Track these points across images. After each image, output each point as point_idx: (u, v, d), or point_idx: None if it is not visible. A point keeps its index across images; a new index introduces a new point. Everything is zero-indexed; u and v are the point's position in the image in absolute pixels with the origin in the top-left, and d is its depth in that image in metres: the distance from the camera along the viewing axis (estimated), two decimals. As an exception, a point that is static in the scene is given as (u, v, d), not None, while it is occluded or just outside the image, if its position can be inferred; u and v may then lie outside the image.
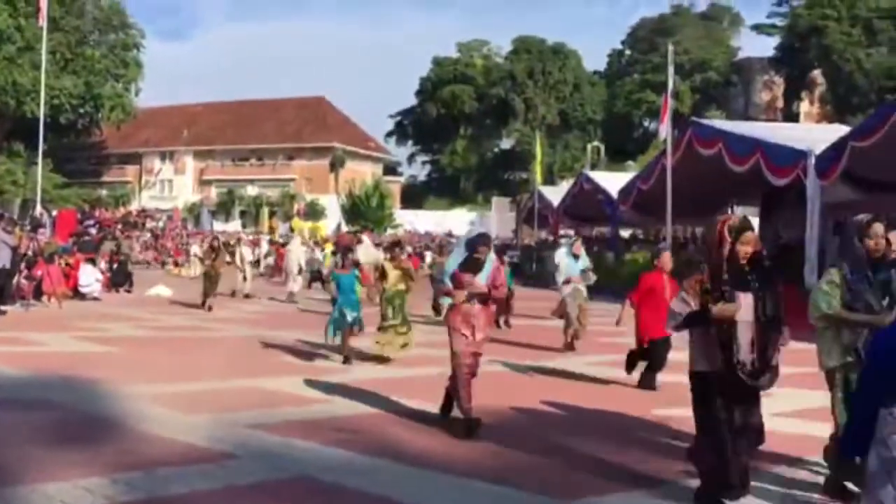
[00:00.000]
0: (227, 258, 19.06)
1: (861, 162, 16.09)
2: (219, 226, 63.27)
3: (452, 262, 6.48)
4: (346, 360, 9.61)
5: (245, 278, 20.21)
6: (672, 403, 7.16)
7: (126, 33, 64.63)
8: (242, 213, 69.37)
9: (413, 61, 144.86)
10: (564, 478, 4.94)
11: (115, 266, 21.75)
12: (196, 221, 67.17)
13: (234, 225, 63.86)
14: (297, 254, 20.72)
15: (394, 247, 11.14)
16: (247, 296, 19.72)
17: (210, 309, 15.86)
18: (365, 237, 21.86)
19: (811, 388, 8.21)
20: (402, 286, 9.75)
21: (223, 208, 70.53)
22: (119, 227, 49.99)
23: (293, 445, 5.52)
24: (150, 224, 56.28)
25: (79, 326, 12.64)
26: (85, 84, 59.69)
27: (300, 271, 20.48)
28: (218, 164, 74.45)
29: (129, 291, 20.67)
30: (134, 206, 68.45)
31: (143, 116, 69.66)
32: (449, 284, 6.32)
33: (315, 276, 23.92)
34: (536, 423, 6.61)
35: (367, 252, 19.30)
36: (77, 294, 17.70)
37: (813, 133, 21.34)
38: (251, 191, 71.25)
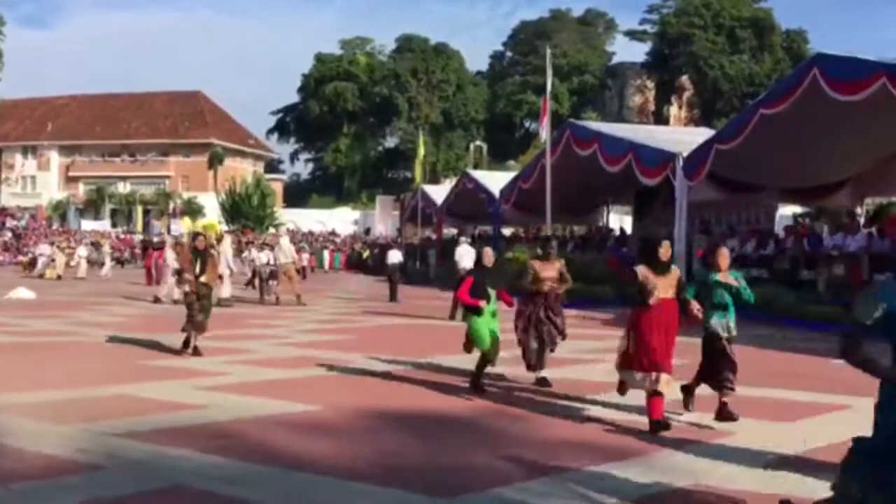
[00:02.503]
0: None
1: (725, 163, 17.02)
2: (87, 224, 60.25)
3: None
4: None
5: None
6: (548, 398, 7.35)
7: (-17, 19, 60.52)
8: (114, 212, 66.25)
9: (295, 57, 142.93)
10: (449, 476, 4.96)
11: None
12: (62, 220, 63.68)
13: (104, 224, 60.88)
14: (227, 255, 18.81)
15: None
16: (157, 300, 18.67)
17: (198, 352, 9.97)
18: (284, 234, 21.56)
19: (677, 379, 8.64)
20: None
21: (92, 206, 67.18)
22: (-24, 226, 46.78)
23: (166, 454, 5.28)
24: (10, 223, 52.86)
25: (-72, 334, 11.72)
26: (-64, 72, 55.57)
27: (231, 273, 18.83)
28: (86, 160, 70.78)
29: (-14, 295, 19.39)
30: (-7, 204, 64.12)
31: (3, 108, 65.39)
32: None
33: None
34: (416, 422, 6.61)
35: (287, 250, 19.07)
36: (-74, 299, 16.47)
37: (681, 136, 22.42)
38: (123, 188, 68.16)
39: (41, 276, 29.39)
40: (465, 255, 16.24)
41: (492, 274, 7.93)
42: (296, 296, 18.76)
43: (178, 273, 11.02)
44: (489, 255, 8.17)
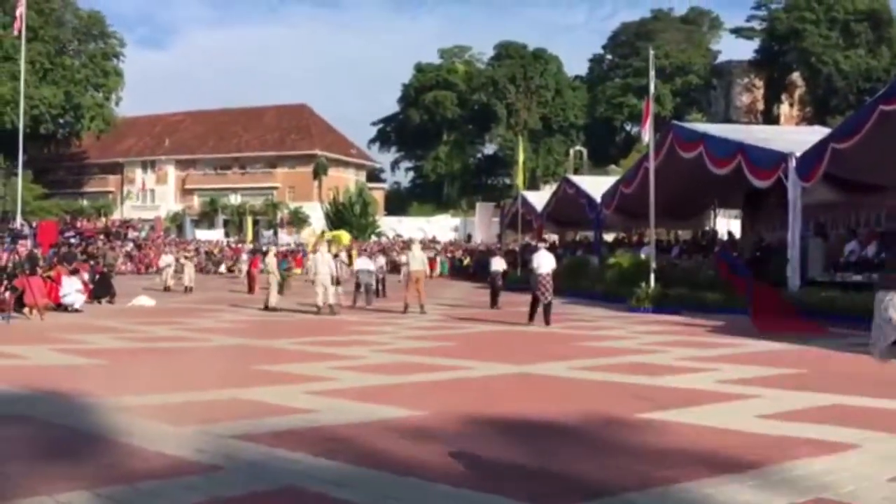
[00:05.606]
0: None
1: (841, 163, 16.23)
2: (202, 234, 62.97)
3: None
4: None
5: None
6: (656, 408, 7.17)
7: (105, 42, 64.47)
8: (226, 223, 69.05)
9: (395, 68, 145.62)
10: (554, 484, 4.92)
11: (97, 277, 21.59)
12: (179, 231, 66.83)
13: (217, 234, 63.52)
14: (327, 263, 18.73)
15: None
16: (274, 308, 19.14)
17: None
18: (416, 241, 22.60)
19: (792, 389, 8.27)
20: None
21: (206, 217, 70.26)
22: (101, 237, 49.64)
23: (280, 456, 5.45)
24: (132, 234, 55.90)
25: (61, 339, 12.50)
26: (65, 94, 59.36)
27: (334, 281, 18.73)
28: (200, 173, 74.12)
29: (111, 302, 20.51)
30: (116, 216, 67.97)
31: (124, 126, 69.31)
32: None
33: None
34: (523, 429, 6.58)
35: (419, 257, 19.57)
36: (59, 306, 17.53)
37: (793, 135, 21.54)
38: (234, 199, 70.94)
39: (167, 288, 28.09)
40: (543, 261, 16.08)
41: None
42: (405, 304, 18.74)
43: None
44: None
